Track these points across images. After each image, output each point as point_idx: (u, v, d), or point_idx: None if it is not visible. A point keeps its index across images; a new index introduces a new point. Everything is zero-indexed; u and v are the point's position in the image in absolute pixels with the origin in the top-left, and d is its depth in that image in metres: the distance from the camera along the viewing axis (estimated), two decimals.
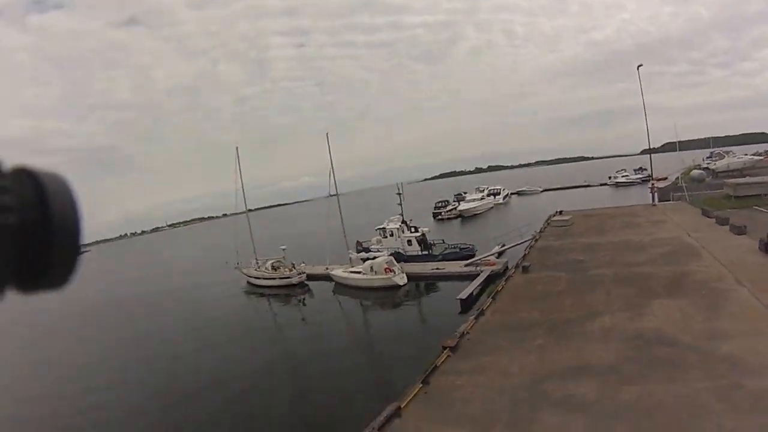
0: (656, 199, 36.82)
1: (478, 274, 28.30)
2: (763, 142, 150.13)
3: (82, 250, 0.73)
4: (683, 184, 44.07)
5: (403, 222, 39.93)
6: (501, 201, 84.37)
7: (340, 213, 39.40)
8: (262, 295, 38.24)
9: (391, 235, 38.73)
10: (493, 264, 29.53)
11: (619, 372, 9.88)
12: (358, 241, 41.20)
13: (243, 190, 46.04)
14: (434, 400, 10.20)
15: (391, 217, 42.56)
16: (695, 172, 53.32)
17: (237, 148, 44.45)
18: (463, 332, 13.65)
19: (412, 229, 38.67)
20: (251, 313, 35.73)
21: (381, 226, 40.70)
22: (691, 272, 16.20)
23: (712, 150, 74.26)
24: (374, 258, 33.25)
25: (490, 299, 16.85)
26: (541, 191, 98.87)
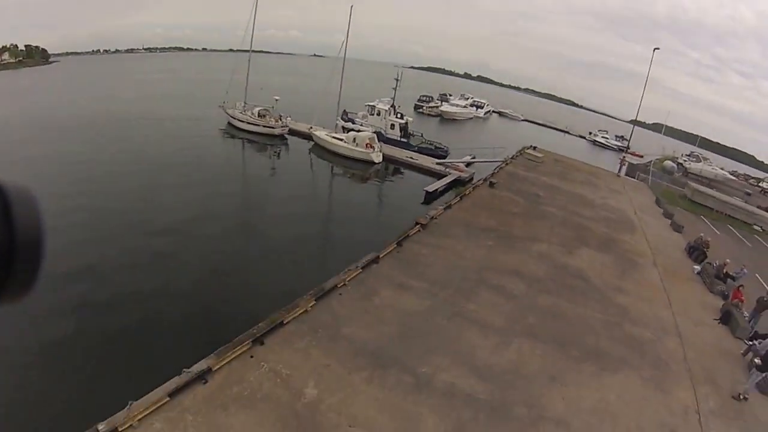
0: (623, 172, 39.65)
1: (446, 175, 30.71)
2: (749, 165, 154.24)
3: (43, 264, 0.75)
4: (653, 169, 47.02)
5: (392, 106, 41.06)
6: (482, 115, 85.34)
7: (342, 80, 39.81)
8: (241, 138, 39.39)
9: (378, 114, 39.84)
10: (462, 171, 31.93)
11: (542, 284, 12.84)
12: (344, 111, 41.97)
13: (253, 28, 45.01)
14: (404, 259, 12.87)
15: (382, 98, 43.36)
16: (668, 164, 56.13)
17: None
18: (433, 216, 16.22)
19: (398, 115, 40.05)
20: (227, 154, 36.97)
21: (371, 103, 41.52)
22: (622, 240, 19.25)
23: (692, 150, 76.95)
24: (358, 131, 34.84)
25: (458, 198, 19.44)
26: (522, 119, 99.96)
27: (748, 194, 50.26)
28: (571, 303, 12.16)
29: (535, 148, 38.44)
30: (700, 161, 58.81)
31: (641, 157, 66.30)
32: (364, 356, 8.45)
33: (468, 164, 33.85)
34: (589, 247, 17.16)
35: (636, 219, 23.55)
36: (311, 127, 37.15)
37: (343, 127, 38.26)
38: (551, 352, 9.79)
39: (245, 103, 42.21)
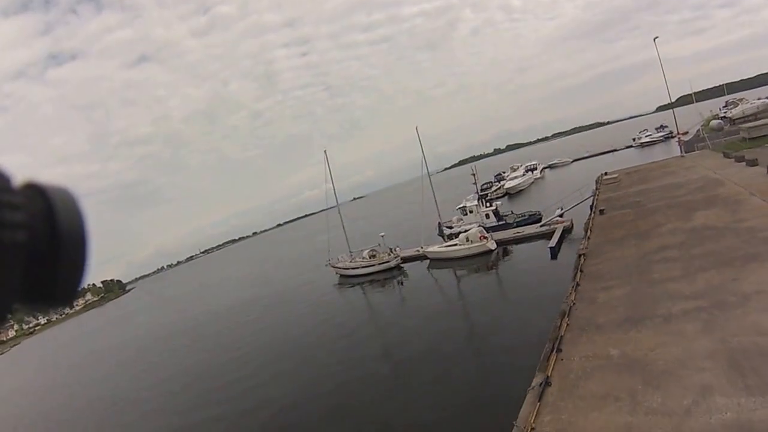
0: (683, 151, 43.86)
1: (554, 231, 35.83)
2: None
3: (89, 266, 0.75)
4: (705, 135, 50.79)
5: (479, 198, 47.32)
6: (538, 175, 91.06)
7: (434, 201, 46.31)
8: (359, 283, 43.22)
9: (471, 212, 45.90)
10: (563, 221, 37.01)
11: (688, 245, 17.56)
12: (439, 222, 48.16)
13: (333, 187, 52.20)
14: (589, 274, 18.02)
15: (467, 197, 49.94)
16: (714, 122, 59.55)
17: (325, 151, 51.81)
18: (582, 248, 21.45)
19: (487, 204, 46.11)
20: (354, 301, 39.83)
21: (461, 205, 47.71)
22: (719, 194, 23.66)
23: (726, 99, 79.43)
24: (467, 230, 40.11)
25: (588, 231, 24.59)
26: (572, 162, 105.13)
27: None
28: (714, 242, 16.86)
29: (606, 173, 43.16)
30: (738, 105, 62.10)
31: (687, 133, 69.30)
32: None
33: (561, 216, 38.78)
34: (700, 209, 21.75)
35: (718, 176, 27.85)
36: (421, 248, 42.23)
37: (449, 235, 43.75)
38: (724, 269, 14.48)
39: (350, 252, 47.28)
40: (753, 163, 27.71)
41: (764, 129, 38.54)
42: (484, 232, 38.75)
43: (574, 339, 12.52)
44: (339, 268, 47.76)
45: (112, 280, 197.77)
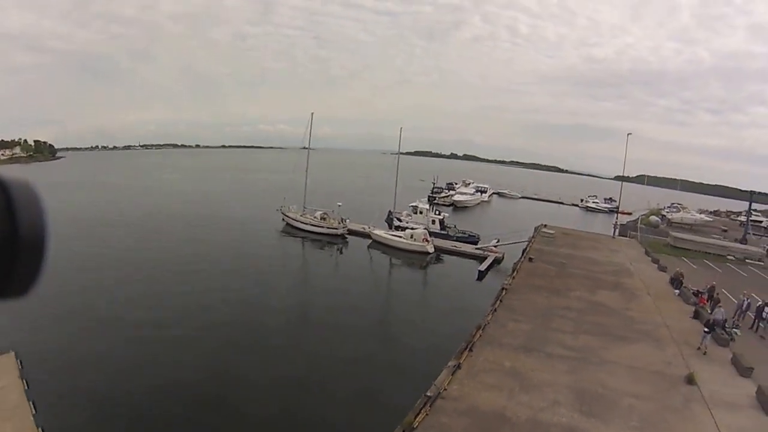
0: (616, 233, 50.10)
1: (486, 257, 40.92)
2: (734, 198, 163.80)
3: (46, 261, 0.77)
4: (640, 226, 57.45)
5: (431, 204, 52.01)
6: (486, 199, 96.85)
7: (396, 186, 50.61)
8: (301, 237, 47.34)
9: (421, 213, 50.43)
10: (496, 252, 42.16)
11: (585, 312, 22.68)
12: (390, 211, 52.49)
13: (310, 143, 55.12)
14: (511, 297, 22.82)
15: (421, 198, 54.49)
16: (653, 218, 66.89)
17: (312, 114, 55.23)
18: (507, 284, 26.31)
19: (437, 212, 50.86)
20: (296, 251, 44.31)
21: (414, 204, 52.07)
22: (624, 283, 29.18)
23: (672, 202, 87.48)
24: (413, 228, 44.78)
25: (515, 272, 29.55)
26: (519, 197, 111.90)
27: (725, 230, 60.34)
28: (603, 317, 22.02)
29: (546, 226, 48.59)
30: (680, 211, 69.84)
31: (630, 214, 76.09)
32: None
33: (496, 246, 43.97)
34: (604, 289, 27.10)
35: (632, 267, 33.58)
36: (370, 227, 46.25)
37: (397, 226, 48.02)
38: (599, 339, 19.54)
39: (304, 207, 50.55)
40: (663, 268, 33.50)
41: (688, 243, 44.93)
42: (428, 235, 43.25)
43: (483, 347, 17.16)
44: (290, 218, 50.79)
45: (44, 143, 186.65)
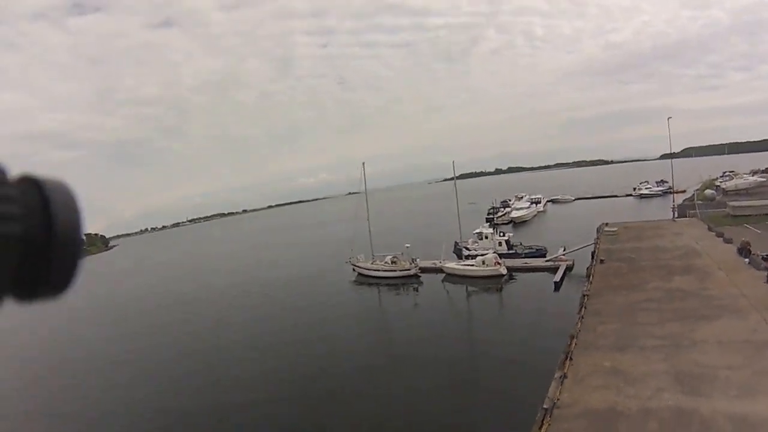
0: (676, 215, 50.79)
1: (558, 267, 42.55)
2: None
3: (82, 260, 0.78)
4: (697, 202, 57.73)
5: (494, 228, 54.15)
6: (541, 209, 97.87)
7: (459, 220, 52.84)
8: (376, 285, 49.17)
9: (486, 238, 52.51)
10: (566, 260, 43.75)
11: (664, 300, 24.30)
12: (456, 242, 54.82)
13: (365, 189, 56.27)
14: (592, 302, 24.70)
15: (484, 224, 56.78)
16: (708, 192, 66.78)
17: (363, 163, 56.35)
18: (586, 290, 28.13)
19: (501, 234, 52.87)
20: (374, 300, 45.77)
21: (478, 231, 54.28)
22: (695, 264, 30.45)
23: (724, 172, 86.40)
24: (483, 255, 46.81)
25: (590, 277, 31.26)
26: (573, 200, 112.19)
27: None
28: (680, 302, 23.61)
29: (607, 224, 49.72)
30: (732, 178, 69.43)
31: (684, 192, 75.66)
32: None
33: (564, 254, 45.54)
34: (677, 275, 28.52)
35: (698, 247, 34.71)
36: (440, 262, 48.48)
37: (467, 256, 50.06)
38: (684, 323, 21.17)
39: (373, 255, 52.49)
40: (728, 241, 34.48)
41: (747, 210, 45.34)
42: (498, 258, 45.19)
43: (580, 353, 19.17)
44: (360, 267, 52.90)
45: (96, 234, 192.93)
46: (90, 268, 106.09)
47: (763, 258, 27.51)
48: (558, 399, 15.55)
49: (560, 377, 16.95)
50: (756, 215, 43.44)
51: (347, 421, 22.22)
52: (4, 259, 0.66)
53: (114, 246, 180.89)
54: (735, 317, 20.85)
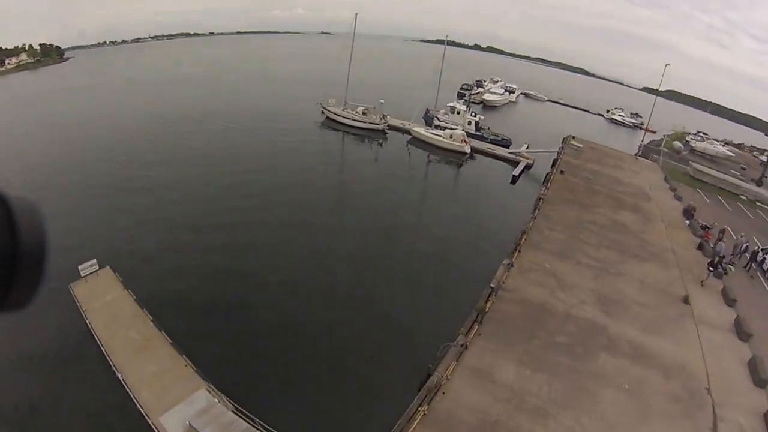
0: (639, 153, 52.77)
1: (519, 161, 44.13)
2: (762, 130, 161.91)
3: (46, 274, 0.78)
4: (663, 149, 59.86)
5: (468, 106, 54.06)
6: (513, 99, 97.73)
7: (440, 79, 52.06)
8: (343, 131, 49.81)
9: (458, 113, 52.49)
10: (527, 158, 45.27)
11: (605, 228, 26.50)
12: (428, 109, 54.38)
13: (354, 37, 51.87)
14: (546, 207, 26.57)
15: (459, 100, 56.40)
16: (676, 144, 68.67)
17: (356, 14, 50.87)
18: (542, 194, 29.89)
19: (473, 114, 53.02)
20: (338, 144, 47.06)
21: (451, 104, 54.00)
22: (643, 206, 32.77)
23: (698, 131, 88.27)
24: (452, 128, 47.45)
25: (548, 183, 32.99)
26: (546, 100, 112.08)
27: (744, 169, 62.60)
28: (621, 235, 25.93)
29: (573, 137, 50.99)
30: (704, 141, 71.68)
31: (654, 132, 77.25)
32: None
33: (527, 151, 46.96)
34: (625, 210, 30.79)
35: (650, 192, 37.04)
36: (410, 124, 49.11)
37: (436, 126, 50.66)
38: (618, 254, 23.50)
39: (345, 101, 51.82)
40: (678, 198, 36.91)
41: (706, 177, 47.77)
42: (466, 137, 46.03)
43: (527, 249, 21.20)
44: (330, 111, 52.12)
45: (50, 45, 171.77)
46: (39, 79, 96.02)
47: (701, 226, 30.03)
48: (503, 283, 17.48)
49: (507, 264, 18.87)
50: (711, 185, 46.02)
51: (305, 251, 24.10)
52: None
53: (69, 58, 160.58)
54: (660, 266, 23.38)
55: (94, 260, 19.28)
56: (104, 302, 17.49)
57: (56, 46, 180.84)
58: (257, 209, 28.61)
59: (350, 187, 35.31)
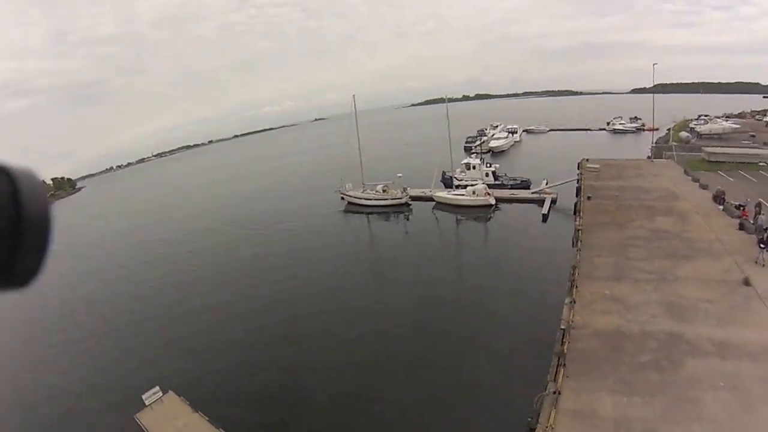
0: (653, 155, 53.98)
1: (543, 199, 45.58)
2: (756, 93, 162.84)
3: (51, 247, 0.78)
4: (672, 144, 61.00)
5: (481, 159, 56.32)
6: (518, 139, 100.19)
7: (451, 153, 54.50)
8: (367, 214, 50.39)
9: (474, 168, 54.59)
10: (551, 193, 46.75)
11: (649, 239, 27.51)
12: (443, 172, 56.58)
13: (357, 126, 54.77)
14: (586, 237, 27.76)
15: (471, 154, 58.85)
16: (683, 134, 69.99)
17: (354, 96, 55.71)
18: (579, 225, 31.16)
19: (488, 165, 55.16)
20: (369, 227, 47.55)
21: (465, 161, 56.24)
22: (674, 207, 33.71)
23: (699, 115, 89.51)
24: (474, 185, 49.13)
25: (581, 212, 34.27)
26: (548, 131, 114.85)
27: (753, 136, 63.38)
28: (664, 242, 26.85)
29: (588, 160, 52.44)
30: (707, 122, 72.81)
31: (657, 129, 78.40)
32: None
33: (548, 187, 48.45)
34: (660, 215, 31.76)
35: (676, 190, 37.97)
36: (431, 191, 50.78)
37: (457, 186, 51.87)
38: (669, 260, 24.42)
39: (363, 183, 53.47)
40: (704, 186, 37.78)
41: (722, 156, 48.71)
42: (487, 189, 47.74)
43: (583, 282, 22.28)
44: (350, 196, 53.55)
45: (62, 178, 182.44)
46: (59, 215, 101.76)
47: (736, 206, 30.82)
48: (572, 321, 18.60)
49: (570, 302, 19.99)
50: (729, 162, 46.83)
51: (342, 345, 24.65)
52: None
53: (81, 188, 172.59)
54: (711, 259, 24.17)
55: (157, 387, 20.01)
56: (176, 428, 18.08)
57: (68, 179, 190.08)
58: (307, 315, 28.96)
59: (388, 265, 36.24)
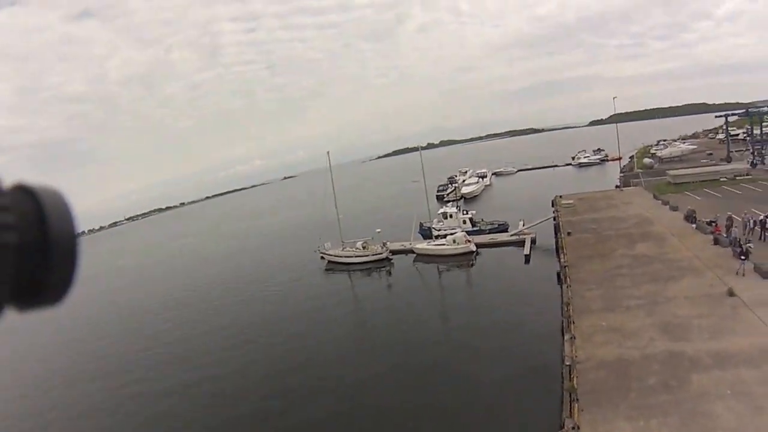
0: (622, 184, 56.25)
1: (524, 240, 46.73)
2: (705, 112, 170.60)
3: (78, 267, 0.77)
4: (638, 171, 63.65)
5: (457, 207, 57.59)
6: (488, 183, 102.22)
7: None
8: (349, 271, 49.68)
9: (451, 217, 55.02)
10: (531, 234, 47.94)
11: (633, 266, 28.71)
12: (420, 223, 56.53)
13: (333, 184, 55.38)
14: (573, 272, 28.79)
15: (446, 203, 60.24)
16: (646, 161, 73.19)
17: (328, 152, 57.37)
18: (564, 262, 32.32)
19: (464, 212, 56.26)
20: (354, 286, 46.62)
21: (442, 210, 56.84)
22: (650, 232, 35.24)
23: (658, 140, 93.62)
24: (453, 234, 49.56)
25: (564, 249, 35.51)
26: (516, 171, 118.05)
27: (710, 154, 66.58)
28: (645, 267, 28.06)
29: (561, 196, 53.55)
30: (667, 147, 76.45)
31: (621, 158, 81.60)
32: None
33: (526, 228, 49.59)
34: (638, 242, 33.18)
35: (649, 215, 39.72)
36: (410, 243, 50.97)
37: (437, 236, 51.99)
38: (655, 283, 25.51)
39: (342, 241, 53.19)
40: (674, 208, 39.57)
41: (686, 178, 51.15)
42: (468, 236, 48.67)
43: (578, 316, 23.16)
44: (330, 255, 53.17)
45: None
46: None
47: (707, 223, 32.46)
48: (576, 356, 19.36)
49: (570, 338, 20.80)
50: (694, 182, 49.20)
51: (326, 409, 23.33)
52: (2, 269, 0.68)
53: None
54: (694, 276, 25.45)
55: None
56: None
57: None
58: (300, 387, 26.62)
59: (375, 324, 35.18)
